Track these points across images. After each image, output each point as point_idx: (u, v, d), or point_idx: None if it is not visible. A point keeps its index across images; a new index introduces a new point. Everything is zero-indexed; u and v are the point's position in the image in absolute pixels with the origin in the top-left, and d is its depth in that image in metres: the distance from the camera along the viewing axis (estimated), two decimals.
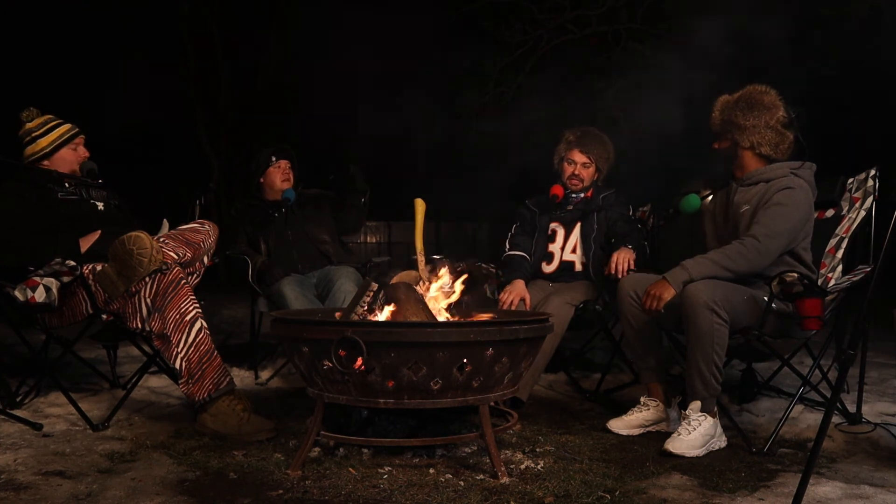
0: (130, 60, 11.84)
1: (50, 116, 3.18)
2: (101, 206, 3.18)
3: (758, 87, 2.79)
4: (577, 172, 3.53)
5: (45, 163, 3.12)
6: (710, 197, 2.96)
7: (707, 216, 2.97)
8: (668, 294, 2.64)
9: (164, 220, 3.24)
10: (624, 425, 2.81)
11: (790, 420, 2.79)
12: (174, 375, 3.13)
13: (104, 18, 11.55)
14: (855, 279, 2.70)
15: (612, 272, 3.18)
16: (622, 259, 3.18)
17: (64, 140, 3.14)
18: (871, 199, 2.87)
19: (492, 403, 2.33)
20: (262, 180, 3.93)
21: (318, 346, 2.21)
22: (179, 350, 2.68)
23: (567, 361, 3.95)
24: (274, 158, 3.90)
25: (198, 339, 2.70)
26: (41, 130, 3.13)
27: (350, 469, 2.27)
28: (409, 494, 2.05)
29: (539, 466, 2.32)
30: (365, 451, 2.44)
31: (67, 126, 3.18)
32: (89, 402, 3.14)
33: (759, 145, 2.76)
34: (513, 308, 3.27)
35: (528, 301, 3.31)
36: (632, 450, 2.58)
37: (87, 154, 3.20)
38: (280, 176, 3.89)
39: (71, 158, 3.15)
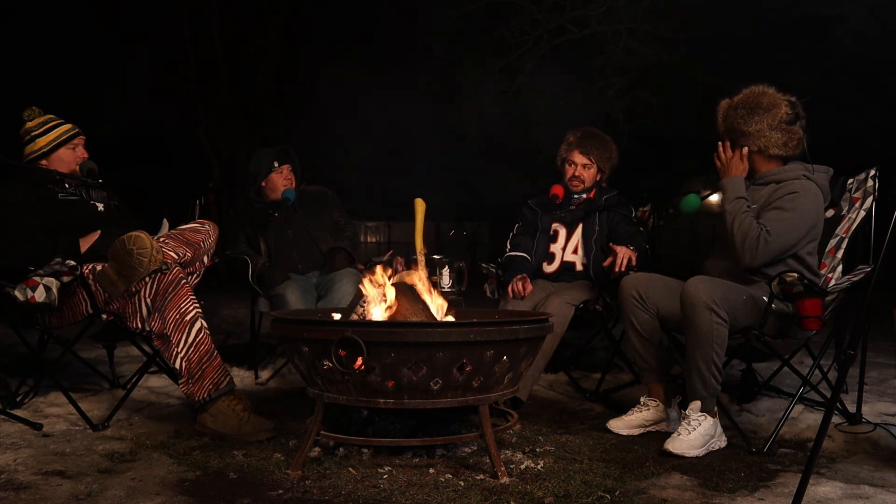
0: (131, 60, 11.85)
1: (51, 116, 3.18)
2: (101, 206, 3.18)
3: (755, 88, 2.77)
4: (577, 174, 3.53)
5: (43, 162, 3.12)
6: (712, 196, 2.96)
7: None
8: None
9: (164, 220, 3.24)
10: (624, 425, 2.80)
11: (790, 420, 2.79)
12: (174, 375, 3.13)
13: (105, 18, 11.55)
14: (855, 279, 2.69)
15: (612, 265, 3.17)
16: (624, 254, 3.16)
17: (62, 140, 3.13)
18: (871, 199, 2.87)
19: (492, 403, 2.33)
20: (263, 184, 3.92)
21: (318, 346, 2.21)
22: (179, 350, 2.68)
23: (567, 361, 3.94)
24: (276, 164, 3.88)
25: (198, 339, 2.70)
26: (41, 130, 3.13)
27: (350, 469, 2.26)
28: (409, 494, 2.05)
29: (539, 466, 2.32)
30: (365, 450, 2.44)
31: (67, 126, 3.17)
32: (89, 402, 3.14)
33: (767, 148, 2.75)
34: (525, 293, 3.28)
35: (528, 289, 3.33)
36: (632, 450, 2.58)
37: (85, 155, 3.19)
38: (282, 181, 3.87)
39: (69, 159, 3.15)
